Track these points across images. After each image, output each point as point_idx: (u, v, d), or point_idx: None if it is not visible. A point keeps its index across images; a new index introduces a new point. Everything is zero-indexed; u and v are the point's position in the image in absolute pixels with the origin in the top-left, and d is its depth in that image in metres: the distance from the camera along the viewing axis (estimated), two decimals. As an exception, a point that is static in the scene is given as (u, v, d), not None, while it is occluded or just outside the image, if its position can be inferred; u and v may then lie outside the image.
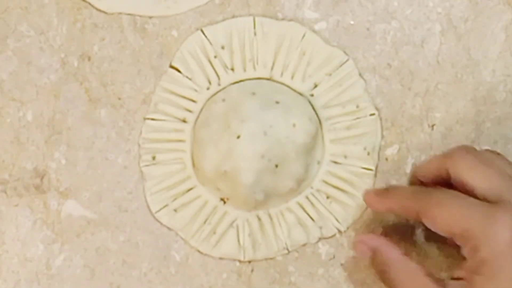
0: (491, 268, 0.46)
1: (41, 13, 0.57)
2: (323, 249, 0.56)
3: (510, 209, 0.47)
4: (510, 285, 0.46)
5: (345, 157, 0.56)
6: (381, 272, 0.51)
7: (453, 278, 0.49)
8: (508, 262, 0.46)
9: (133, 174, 0.57)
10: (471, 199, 0.48)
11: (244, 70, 0.56)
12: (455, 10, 0.57)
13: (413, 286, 0.50)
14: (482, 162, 0.49)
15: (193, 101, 0.56)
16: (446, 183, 0.51)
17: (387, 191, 0.53)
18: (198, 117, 0.56)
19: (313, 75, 0.56)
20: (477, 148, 0.55)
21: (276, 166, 0.54)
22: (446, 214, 0.48)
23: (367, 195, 0.53)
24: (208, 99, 0.56)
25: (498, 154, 0.51)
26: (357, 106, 0.56)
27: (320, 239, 0.56)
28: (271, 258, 0.56)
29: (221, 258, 0.56)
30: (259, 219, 0.56)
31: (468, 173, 0.49)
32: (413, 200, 0.50)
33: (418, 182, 0.53)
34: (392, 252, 0.51)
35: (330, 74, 0.56)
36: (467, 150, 0.51)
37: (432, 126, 0.57)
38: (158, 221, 0.57)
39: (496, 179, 0.48)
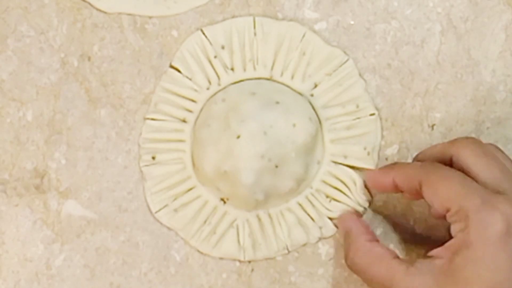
0: (474, 253, 0.46)
1: (41, 13, 0.57)
2: (323, 249, 0.56)
3: (508, 202, 0.47)
4: (488, 275, 0.46)
5: (345, 157, 0.56)
6: (347, 256, 0.52)
7: (427, 257, 0.49)
8: (492, 252, 0.46)
9: (133, 174, 0.57)
10: (475, 182, 0.48)
11: (244, 70, 0.56)
12: (455, 10, 0.57)
13: (381, 271, 0.50)
14: (486, 153, 0.50)
15: (193, 101, 0.56)
16: None
17: (392, 165, 0.53)
18: (198, 117, 0.56)
19: (313, 75, 0.56)
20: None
21: (276, 166, 0.54)
22: (447, 188, 0.48)
23: (369, 172, 0.54)
24: (208, 99, 0.56)
25: (500, 150, 0.51)
26: (357, 106, 0.56)
27: (320, 239, 0.56)
28: (271, 258, 0.56)
29: (221, 258, 0.56)
30: (259, 219, 0.56)
31: (472, 160, 0.49)
32: (419, 169, 0.50)
33: None
34: (359, 236, 0.52)
35: (330, 74, 0.56)
36: (472, 140, 0.51)
37: (432, 126, 0.57)
38: (158, 221, 0.57)
39: (498, 170, 0.49)
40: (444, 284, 0.47)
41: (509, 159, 0.51)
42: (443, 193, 0.48)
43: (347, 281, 0.56)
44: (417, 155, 0.54)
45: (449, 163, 0.51)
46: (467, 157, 0.50)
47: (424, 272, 0.48)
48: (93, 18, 0.57)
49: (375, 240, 0.52)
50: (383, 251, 0.51)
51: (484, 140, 0.56)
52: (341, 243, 0.56)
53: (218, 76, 0.56)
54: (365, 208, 0.56)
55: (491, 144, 0.52)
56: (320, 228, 0.56)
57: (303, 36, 0.57)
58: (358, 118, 0.56)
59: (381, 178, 0.53)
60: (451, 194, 0.48)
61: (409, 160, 0.56)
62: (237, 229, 0.56)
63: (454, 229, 0.48)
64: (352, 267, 0.52)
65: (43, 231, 0.57)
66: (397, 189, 0.52)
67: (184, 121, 0.56)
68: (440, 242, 0.56)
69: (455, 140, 0.51)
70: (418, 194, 0.50)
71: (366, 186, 0.55)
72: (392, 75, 0.57)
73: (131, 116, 0.57)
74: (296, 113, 0.55)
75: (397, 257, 0.50)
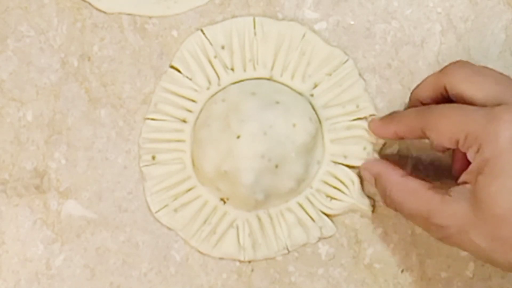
0: (494, 167, 0.46)
1: (41, 13, 0.57)
2: (323, 249, 0.56)
3: (510, 109, 0.47)
4: (506, 193, 0.45)
5: (345, 157, 0.56)
6: (384, 196, 0.52)
7: (458, 184, 0.49)
8: (510, 160, 0.46)
9: (133, 174, 0.57)
10: (472, 106, 0.48)
11: (244, 70, 0.56)
12: (455, 10, 0.57)
13: (417, 203, 0.50)
14: (477, 73, 0.50)
15: (193, 101, 0.56)
16: (446, 101, 0.51)
17: (391, 116, 0.53)
18: (198, 117, 0.56)
19: (313, 75, 0.56)
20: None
21: (276, 166, 0.54)
22: (449, 123, 0.48)
23: (372, 122, 0.55)
24: (208, 99, 0.56)
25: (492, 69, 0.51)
26: (357, 106, 0.56)
27: (320, 239, 0.56)
28: (271, 258, 0.56)
29: (221, 258, 0.56)
30: (259, 219, 0.56)
31: (465, 84, 0.49)
32: (417, 117, 0.51)
33: (419, 104, 0.53)
34: (391, 175, 0.52)
35: (330, 74, 0.56)
36: (462, 63, 0.51)
37: (432, 126, 0.56)
38: (158, 221, 0.57)
39: (493, 85, 0.49)
40: (477, 206, 0.46)
41: (502, 73, 0.51)
42: (446, 130, 0.48)
43: (347, 281, 0.56)
44: (412, 92, 0.54)
45: (445, 93, 0.51)
46: (460, 83, 0.50)
47: (458, 199, 0.48)
48: (93, 18, 0.57)
49: (407, 174, 0.52)
50: (417, 184, 0.50)
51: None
52: (341, 243, 0.56)
53: (218, 76, 0.56)
54: (366, 208, 0.56)
55: (481, 65, 0.52)
56: (320, 228, 0.56)
57: (303, 36, 0.57)
58: (358, 118, 0.56)
59: (383, 129, 0.54)
60: (455, 128, 0.48)
61: (409, 161, 0.56)
62: (237, 229, 0.56)
63: (470, 155, 0.48)
64: (391, 206, 0.52)
65: (43, 231, 0.57)
66: (399, 137, 0.53)
67: (184, 121, 0.57)
68: (440, 242, 0.56)
69: (445, 68, 0.51)
70: (421, 138, 0.51)
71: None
72: (392, 75, 0.57)
73: (131, 116, 0.57)
74: (296, 113, 0.55)
75: (432, 187, 0.50)
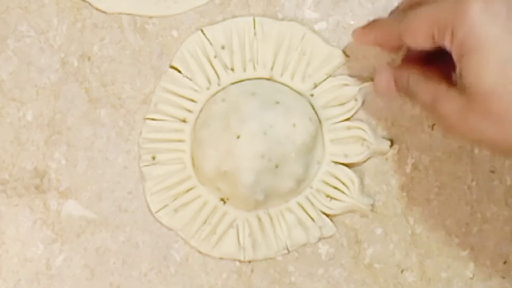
0: (469, 46, 0.46)
1: (41, 13, 0.57)
2: (323, 249, 0.56)
3: None
4: (491, 54, 0.45)
5: (346, 156, 0.56)
6: (404, 89, 0.52)
7: None
8: (483, 32, 0.45)
9: (133, 174, 0.57)
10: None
11: (244, 70, 0.56)
12: (455, 10, 0.57)
13: (426, 92, 0.49)
14: None
15: (193, 101, 0.56)
16: None
17: (372, 23, 0.54)
18: (198, 117, 0.56)
19: (313, 75, 0.56)
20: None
21: (276, 166, 0.54)
22: (422, 21, 0.48)
23: (354, 31, 0.54)
24: (208, 99, 0.56)
25: None
26: (356, 100, 0.56)
27: (320, 239, 0.56)
28: (271, 258, 0.56)
29: (221, 258, 0.56)
30: (259, 219, 0.56)
31: None
32: (395, 23, 0.51)
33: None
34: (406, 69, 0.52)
35: (330, 74, 0.56)
36: None
37: (432, 126, 0.57)
38: (158, 221, 0.57)
39: None
40: (467, 88, 0.46)
41: None
42: (421, 28, 0.48)
43: (347, 281, 0.56)
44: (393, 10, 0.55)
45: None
46: None
47: (457, 87, 0.48)
48: (93, 18, 0.57)
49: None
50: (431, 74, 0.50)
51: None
52: (341, 243, 0.56)
53: (218, 76, 0.56)
54: (365, 208, 0.56)
55: None
56: (320, 228, 0.56)
57: (303, 36, 0.57)
58: (359, 119, 0.56)
59: (364, 36, 0.54)
60: (427, 23, 0.48)
61: (409, 161, 0.56)
62: (237, 229, 0.56)
63: (448, 45, 0.47)
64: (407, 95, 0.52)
65: (43, 231, 0.57)
66: (379, 44, 0.53)
67: (184, 121, 0.57)
68: (440, 242, 0.56)
69: None
70: (398, 48, 0.52)
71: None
72: (392, 75, 0.57)
73: (131, 116, 0.57)
74: (296, 113, 0.55)
75: (442, 77, 0.49)
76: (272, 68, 0.56)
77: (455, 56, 0.47)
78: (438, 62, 0.50)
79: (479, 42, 0.45)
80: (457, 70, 0.47)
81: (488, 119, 0.45)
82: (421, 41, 0.49)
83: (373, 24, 0.54)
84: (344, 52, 0.57)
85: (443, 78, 0.49)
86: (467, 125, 0.46)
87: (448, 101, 0.47)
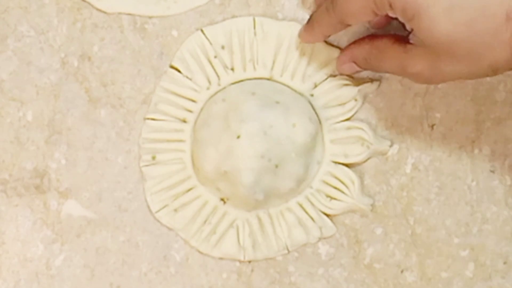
0: (412, 7, 0.47)
1: (41, 13, 0.57)
2: (323, 249, 0.56)
3: None
4: (435, 8, 0.46)
5: (346, 156, 0.56)
6: (366, 65, 0.53)
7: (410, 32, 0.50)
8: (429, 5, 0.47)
9: (133, 174, 0.57)
10: None
11: (244, 70, 0.56)
12: (455, 10, 0.57)
13: (389, 61, 0.51)
14: None
15: (193, 101, 0.56)
16: None
17: (310, 22, 0.54)
18: (198, 117, 0.56)
19: (313, 75, 0.56)
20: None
21: (276, 166, 0.54)
22: (356, 1, 0.49)
23: (299, 34, 0.55)
24: (208, 99, 0.56)
25: None
26: (356, 100, 0.56)
27: (320, 239, 0.56)
28: (271, 258, 0.56)
29: (221, 258, 0.56)
30: (259, 219, 0.56)
31: None
32: (329, 13, 0.51)
33: None
34: (361, 44, 0.54)
35: (330, 74, 0.56)
36: None
37: (432, 126, 0.57)
38: (158, 221, 0.57)
39: None
40: (428, 38, 0.48)
41: None
42: (358, 8, 0.49)
43: (347, 281, 0.56)
44: None
45: None
46: None
47: (416, 42, 0.49)
48: (93, 18, 0.57)
49: (373, 37, 0.53)
50: (383, 43, 0.52)
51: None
52: (341, 243, 0.56)
53: (218, 76, 0.56)
54: (365, 208, 0.56)
55: None
56: (320, 228, 0.56)
57: (303, 36, 0.57)
58: (359, 119, 0.56)
59: (311, 36, 0.54)
60: (362, 2, 0.49)
61: (409, 161, 0.56)
62: (237, 229, 0.56)
63: (391, 14, 0.49)
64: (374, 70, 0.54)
65: (43, 231, 0.57)
66: (327, 36, 0.54)
67: (184, 121, 0.57)
68: (440, 242, 0.56)
69: None
70: (346, 28, 0.53)
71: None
72: (392, 75, 0.57)
73: (131, 116, 0.57)
74: (296, 113, 0.55)
75: (395, 40, 0.51)
76: (272, 68, 0.56)
77: (402, 21, 0.48)
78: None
79: (419, 3, 0.46)
80: (410, 30, 0.49)
81: (458, 61, 0.47)
82: (363, 18, 0.50)
83: (311, 21, 0.54)
84: (344, 52, 0.57)
85: (399, 40, 0.51)
86: (442, 73, 0.49)
87: (416, 61, 0.49)
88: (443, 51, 0.47)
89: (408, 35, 0.50)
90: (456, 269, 0.56)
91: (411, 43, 0.50)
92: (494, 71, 0.48)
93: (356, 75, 0.56)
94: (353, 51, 0.54)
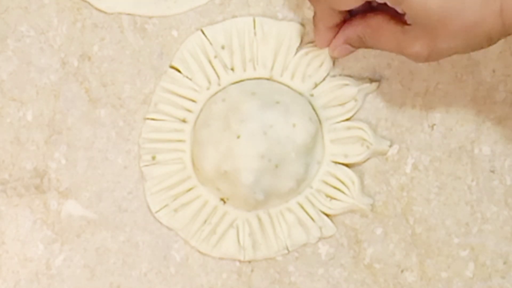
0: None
1: (41, 13, 0.57)
2: (323, 249, 0.56)
3: None
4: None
5: (346, 156, 0.56)
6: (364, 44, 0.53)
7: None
8: None
9: (133, 174, 0.57)
10: None
11: (244, 70, 0.56)
12: (455, 10, 0.57)
13: (387, 41, 0.52)
14: None
15: (193, 101, 0.56)
16: None
17: (315, 29, 0.55)
18: (198, 117, 0.56)
19: (313, 75, 0.56)
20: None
21: (276, 166, 0.54)
22: None
23: (317, 43, 0.55)
24: (208, 99, 0.56)
25: None
26: (355, 100, 0.56)
27: (320, 239, 0.56)
28: (271, 258, 0.56)
29: (221, 258, 0.56)
30: (259, 219, 0.56)
31: None
32: (328, 13, 0.53)
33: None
34: (356, 26, 0.53)
35: (330, 74, 0.56)
36: None
37: (432, 126, 0.57)
38: (158, 221, 0.57)
39: None
40: (417, 22, 0.49)
41: None
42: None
43: (347, 281, 0.56)
44: None
45: None
46: None
47: (413, 23, 0.50)
48: (93, 18, 0.57)
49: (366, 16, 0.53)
50: (379, 21, 0.52)
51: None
52: (341, 243, 0.56)
53: (218, 76, 0.56)
54: (365, 208, 0.56)
55: None
56: (320, 228, 0.56)
57: (303, 36, 0.56)
58: (359, 119, 0.56)
59: (325, 39, 0.55)
60: None
61: (409, 161, 0.56)
62: (237, 229, 0.56)
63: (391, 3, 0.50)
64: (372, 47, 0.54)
65: (43, 231, 0.57)
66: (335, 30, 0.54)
67: (184, 121, 0.57)
68: (440, 242, 0.56)
69: None
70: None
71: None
72: (392, 75, 0.57)
73: (131, 116, 0.57)
74: (296, 113, 0.55)
75: (390, 19, 0.51)
76: (272, 68, 0.56)
77: (393, 5, 0.49)
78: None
79: None
80: (403, 12, 0.50)
81: (454, 37, 0.49)
82: (354, 4, 0.51)
83: (313, 21, 0.54)
84: (344, 52, 0.57)
85: (394, 17, 0.51)
86: (440, 50, 0.50)
87: (412, 41, 0.50)
88: (439, 27, 0.48)
89: (404, 14, 0.50)
90: (456, 269, 0.56)
91: (408, 24, 0.50)
92: (489, 41, 0.49)
93: (356, 75, 0.56)
94: (346, 32, 0.54)
